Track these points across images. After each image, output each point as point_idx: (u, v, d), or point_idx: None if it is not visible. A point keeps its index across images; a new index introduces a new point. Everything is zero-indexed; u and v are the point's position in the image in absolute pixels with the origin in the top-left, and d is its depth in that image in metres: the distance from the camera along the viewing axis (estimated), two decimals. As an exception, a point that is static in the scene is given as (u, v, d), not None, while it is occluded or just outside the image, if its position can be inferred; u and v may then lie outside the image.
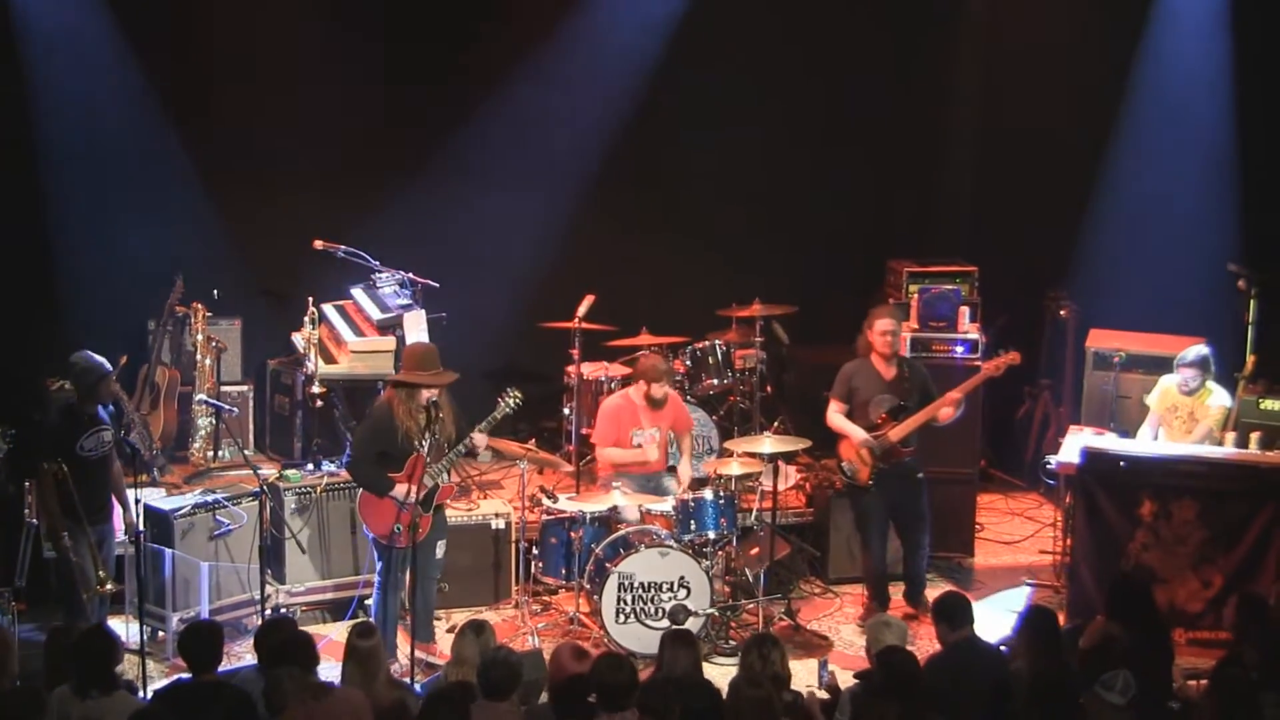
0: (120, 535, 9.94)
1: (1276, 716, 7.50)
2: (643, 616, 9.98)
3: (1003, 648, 9.07)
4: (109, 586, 9.43)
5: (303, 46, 12.41)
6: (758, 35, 13.32)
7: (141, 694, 8.56)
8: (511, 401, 9.77)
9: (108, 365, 9.75)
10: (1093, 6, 13.33)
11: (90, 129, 12.12)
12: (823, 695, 8.53)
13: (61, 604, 9.59)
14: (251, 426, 12.71)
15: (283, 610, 10.46)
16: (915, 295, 12.05)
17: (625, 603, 9.97)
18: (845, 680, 8.49)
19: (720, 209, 13.37)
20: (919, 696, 7.49)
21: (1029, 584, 11.38)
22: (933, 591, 10.18)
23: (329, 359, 11.86)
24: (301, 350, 11.88)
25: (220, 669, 7.93)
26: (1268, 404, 11.33)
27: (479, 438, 9.77)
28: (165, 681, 8.80)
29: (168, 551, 10.07)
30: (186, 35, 12.37)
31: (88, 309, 11.98)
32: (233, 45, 12.34)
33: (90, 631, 8.28)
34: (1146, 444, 10.76)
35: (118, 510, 9.90)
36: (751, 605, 10.52)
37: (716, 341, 12.26)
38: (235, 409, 12.42)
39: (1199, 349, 10.80)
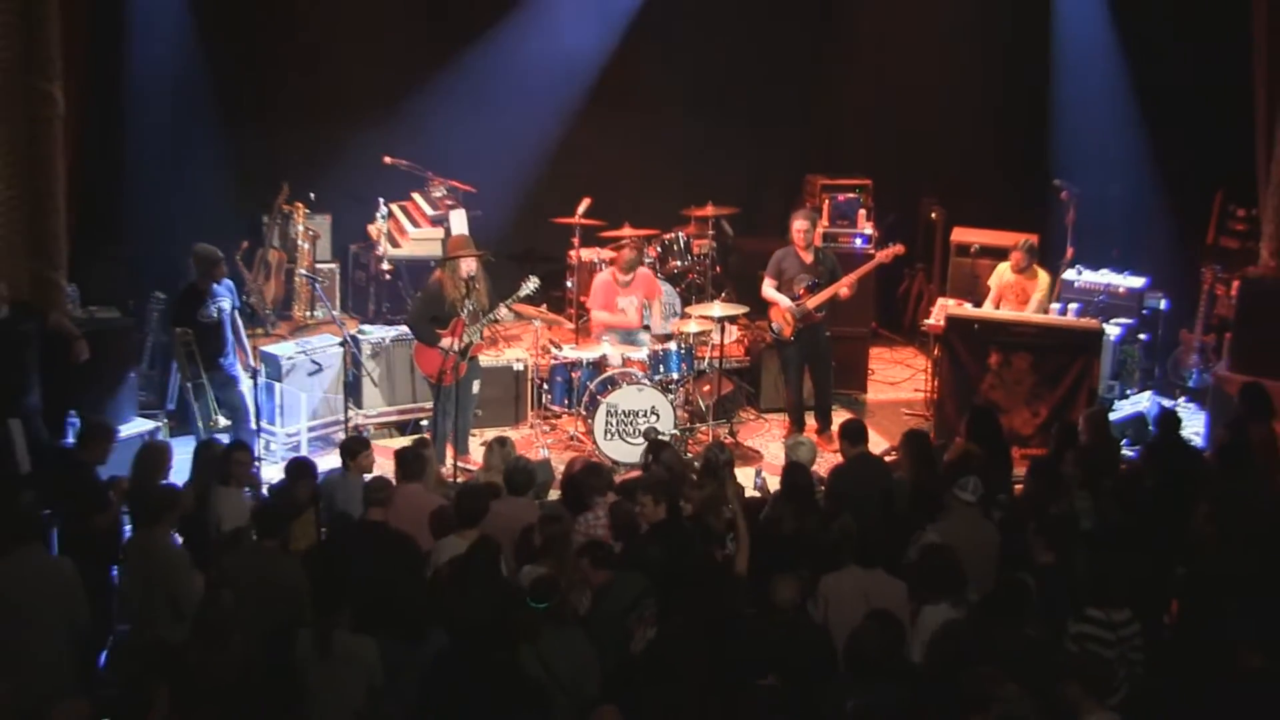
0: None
1: (1086, 507, 7.65)
2: (624, 435, 10.04)
3: (886, 459, 9.20)
4: (222, 422, 9.52)
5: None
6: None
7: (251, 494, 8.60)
8: (531, 286, 9.70)
9: (219, 253, 9.72)
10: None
11: (210, 70, 11.73)
12: (755, 494, 8.66)
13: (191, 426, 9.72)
14: (338, 294, 12.56)
15: (359, 429, 10.42)
16: (826, 201, 11.97)
17: (611, 425, 10.02)
18: (774, 485, 8.58)
19: (684, 131, 13.00)
20: (806, 501, 7.54)
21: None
22: (837, 418, 10.25)
23: (395, 244, 12.01)
24: (375, 238, 12.01)
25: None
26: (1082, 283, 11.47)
27: (504, 311, 9.72)
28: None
29: (276, 384, 10.15)
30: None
31: (218, 207, 11.78)
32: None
33: (214, 444, 8.39)
34: (993, 311, 10.77)
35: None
36: (704, 428, 10.58)
37: (679, 233, 12.08)
38: (325, 280, 12.32)
39: (1028, 240, 10.73)
